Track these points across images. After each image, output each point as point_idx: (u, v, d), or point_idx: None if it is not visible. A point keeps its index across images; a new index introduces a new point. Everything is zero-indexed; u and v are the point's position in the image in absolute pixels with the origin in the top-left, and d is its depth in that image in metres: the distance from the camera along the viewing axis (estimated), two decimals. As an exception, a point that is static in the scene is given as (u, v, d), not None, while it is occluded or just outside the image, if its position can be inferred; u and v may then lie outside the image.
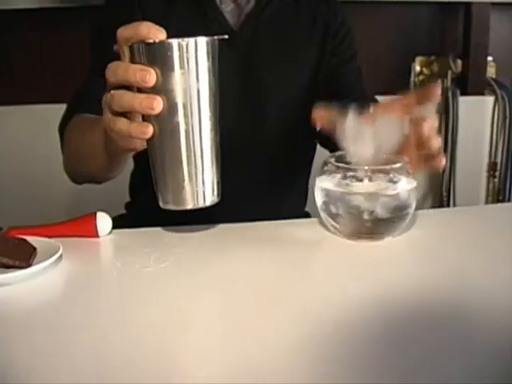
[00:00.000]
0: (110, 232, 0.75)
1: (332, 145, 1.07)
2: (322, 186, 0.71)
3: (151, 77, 0.55)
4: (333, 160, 0.72)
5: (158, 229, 0.78)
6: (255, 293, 0.59)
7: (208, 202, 0.61)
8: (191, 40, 0.55)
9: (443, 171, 1.92)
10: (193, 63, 0.56)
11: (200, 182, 0.59)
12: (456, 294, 0.58)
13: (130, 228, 0.80)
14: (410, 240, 0.73)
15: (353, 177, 0.70)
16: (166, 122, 0.57)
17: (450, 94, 1.86)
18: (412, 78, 1.96)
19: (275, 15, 0.99)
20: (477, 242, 0.73)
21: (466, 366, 0.45)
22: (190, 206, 0.60)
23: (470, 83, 1.92)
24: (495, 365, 0.45)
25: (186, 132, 0.57)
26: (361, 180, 0.70)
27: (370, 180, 0.70)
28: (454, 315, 0.53)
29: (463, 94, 1.89)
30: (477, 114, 1.92)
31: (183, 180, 0.59)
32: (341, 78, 1.07)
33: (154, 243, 0.73)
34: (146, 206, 1.02)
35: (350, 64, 1.09)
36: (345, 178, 0.70)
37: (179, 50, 0.55)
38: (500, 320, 0.52)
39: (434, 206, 1.98)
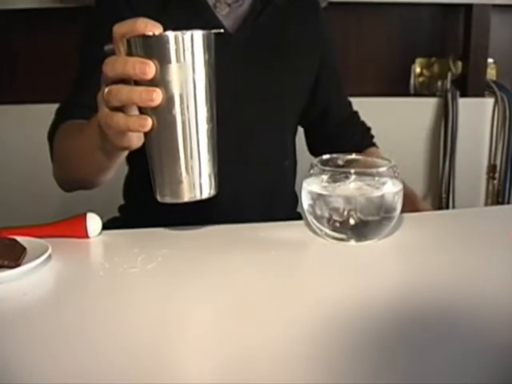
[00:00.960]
0: (100, 233, 0.76)
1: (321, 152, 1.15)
2: (308, 188, 0.72)
3: (151, 69, 0.55)
4: (319, 163, 0.72)
5: (148, 230, 0.79)
6: (241, 294, 0.59)
7: (205, 195, 0.61)
8: (188, 33, 0.56)
9: (443, 173, 1.92)
10: (189, 56, 0.56)
11: (197, 174, 0.60)
12: (447, 296, 0.58)
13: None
14: (397, 242, 0.74)
15: (338, 179, 0.71)
16: (163, 115, 0.57)
17: (449, 96, 1.86)
18: (412, 80, 1.96)
19: (271, 19, 1.00)
20: (466, 244, 0.74)
21: (461, 366, 0.45)
22: (186, 198, 0.60)
23: (469, 85, 1.91)
24: (493, 365, 0.46)
25: (183, 124, 0.58)
26: (347, 183, 0.71)
27: (356, 182, 0.71)
28: (447, 317, 0.54)
29: (463, 95, 1.89)
30: (476, 115, 1.92)
31: (180, 172, 0.59)
32: (327, 89, 1.13)
33: (143, 244, 0.74)
34: (140, 209, 1.04)
35: (336, 76, 1.16)
36: (330, 180, 0.71)
37: (176, 42, 0.56)
38: (494, 321, 0.53)
39: (433, 207, 1.98)
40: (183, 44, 0.56)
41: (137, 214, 1.05)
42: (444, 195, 1.95)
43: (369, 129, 1.19)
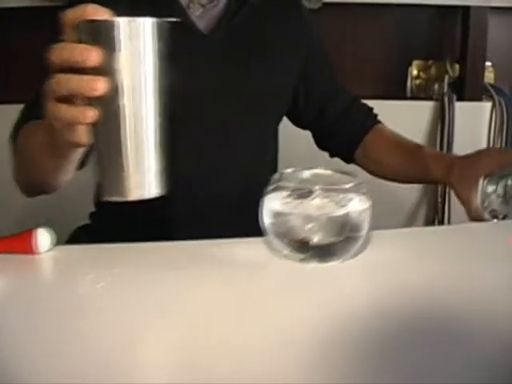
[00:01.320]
0: (51, 248, 0.72)
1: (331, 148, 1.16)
2: (269, 205, 0.67)
3: (96, 55, 0.52)
4: (281, 179, 0.68)
5: (102, 245, 0.75)
6: (193, 317, 0.56)
7: (153, 194, 0.57)
8: (138, 19, 0.53)
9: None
10: (138, 44, 0.53)
11: (144, 171, 0.56)
12: (413, 317, 0.56)
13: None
14: (364, 262, 0.69)
15: (301, 196, 0.67)
16: (109, 106, 0.54)
17: (446, 100, 1.81)
18: (409, 82, 1.93)
19: (247, 20, 0.98)
20: (434, 264, 0.70)
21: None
22: (133, 196, 0.56)
23: (467, 88, 1.87)
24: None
25: (130, 117, 0.54)
26: (310, 200, 0.66)
27: (320, 199, 0.66)
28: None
29: (460, 99, 1.85)
30: (474, 119, 1.87)
31: (127, 169, 0.55)
32: (321, 85, 1.12)
33: (95, 262, 0.70)
34: (110, 216, 1.01)
35: (326, 72, 1.14)
36: (293, 197, 0.67)
37: (125, 28, 0.52)
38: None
39: (428, 213, 1.94)
40: (133, 31, 0.53)
41: (107, 221, 1.03)
42: (440, 200, 1.91)
43: (371, 109, 1.16)
